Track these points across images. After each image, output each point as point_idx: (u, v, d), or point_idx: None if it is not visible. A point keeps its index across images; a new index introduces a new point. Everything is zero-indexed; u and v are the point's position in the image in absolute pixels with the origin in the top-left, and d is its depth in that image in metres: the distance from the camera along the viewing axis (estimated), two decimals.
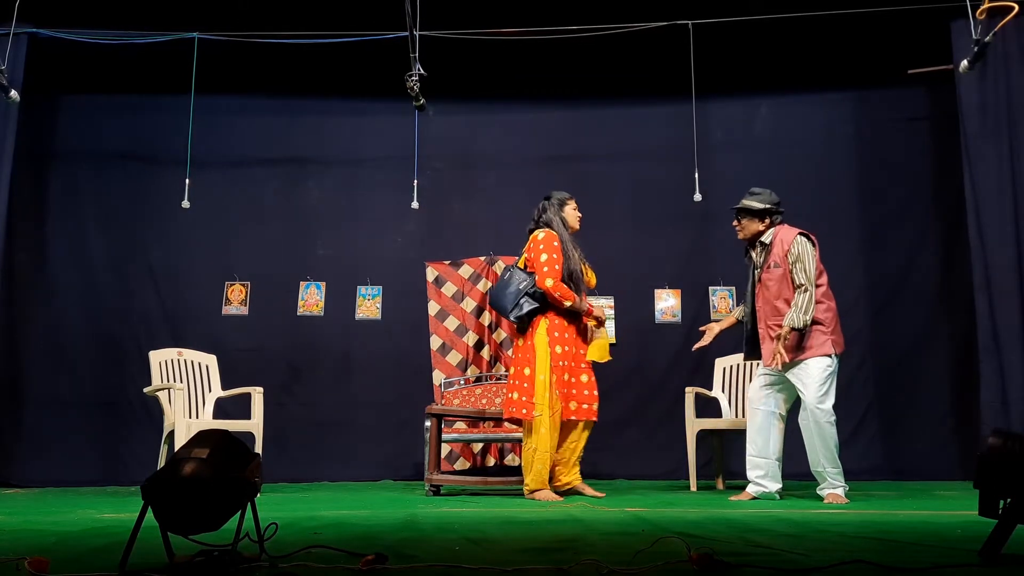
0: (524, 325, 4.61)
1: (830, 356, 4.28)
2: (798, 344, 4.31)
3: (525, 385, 4.53)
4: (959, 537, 2.70)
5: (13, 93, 5.08)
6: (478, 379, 5.87)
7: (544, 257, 4.57)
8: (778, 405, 4.47)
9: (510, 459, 6.17)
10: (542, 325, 4.56)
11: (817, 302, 4.30)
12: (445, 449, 5.89)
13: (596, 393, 4.68)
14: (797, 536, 2.78)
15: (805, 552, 2.32)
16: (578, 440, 4.68)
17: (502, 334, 6.33)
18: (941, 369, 6.27)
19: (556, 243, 4.61)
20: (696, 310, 6.49)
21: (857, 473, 5.46)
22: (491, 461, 6.16)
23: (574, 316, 4.64)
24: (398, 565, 2.07)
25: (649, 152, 6.68)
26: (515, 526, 3.14)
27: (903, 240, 6.44)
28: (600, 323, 4.71)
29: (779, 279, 4.35)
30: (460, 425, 5.85)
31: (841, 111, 6.71)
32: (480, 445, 6.12)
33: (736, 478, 5.83)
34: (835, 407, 4.33)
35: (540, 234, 4.66)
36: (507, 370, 6.14)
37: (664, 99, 6.50)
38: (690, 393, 5.42)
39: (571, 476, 4.70)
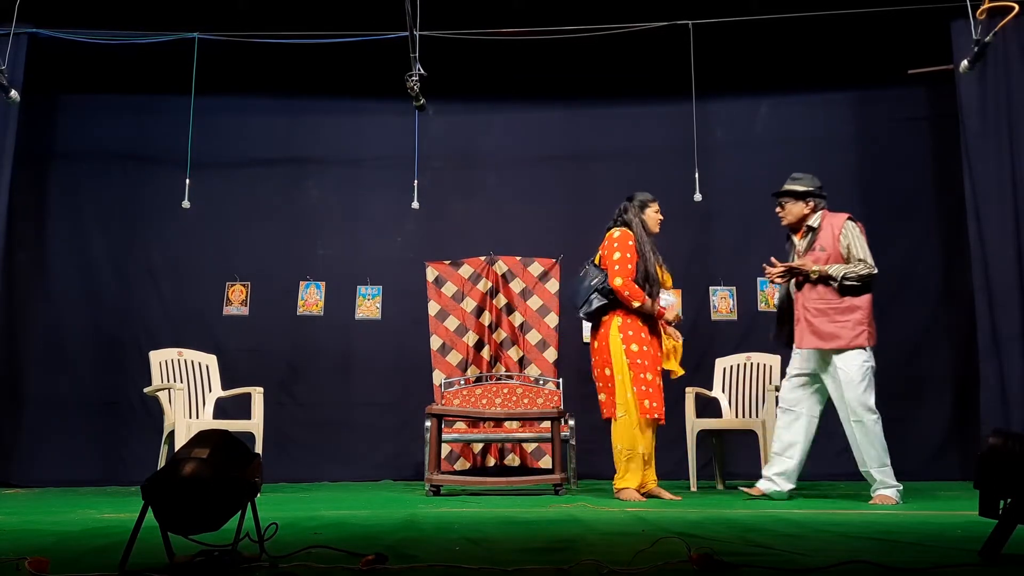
0: (595, 322, 4.62)
1: (864, 349, 4.21)
2: (831, 331, 4.23)
3: (609, 385, 4.53)
4: (959, 537, 2.70)
5: (13, 93, 5.08)
6: (478, 379, 5.87)
7: (617, 255, 4.54)
8: (812, 408, 4.40)
9: (510, 459, 6.18)
10: (614, 324, 4.53)
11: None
12: (445, 449, 5.89)
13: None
14: (798, 536, 2.77)
15: (805, 552, 2.32)
16: (653, 441, 4.60)
17: (502, 334, 6.33)
18: (941, 369, 6.27)
19: (631, 242, 4.57)
20: (696, 310, 6.49)
21: (858, 474, 5.47)
22: (491, 461, 6.17)
23: (648, 316, 4.59)
24: (398, 565, 2.07)
25: (649, 152, 6.68)
26: (515, 526, 3.14)
27: (903, 240, 6.44)
28: (672, 324, 4.63)
29: (825, 262, 4.29)
30: (460, 425, 5.85)
31: (841, 111, 6.71)
32: (480, 445, 6.12)
33: (736, 478, 5.83)
34: (834, 410, 4.34)
35: (616, 232, 4.63)
36: (507, 370, 6.16)
37: (664, 99, 6.50)
38: (690, 393, 5.42)
39: (649, 478, 4.59)
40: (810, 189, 4.44)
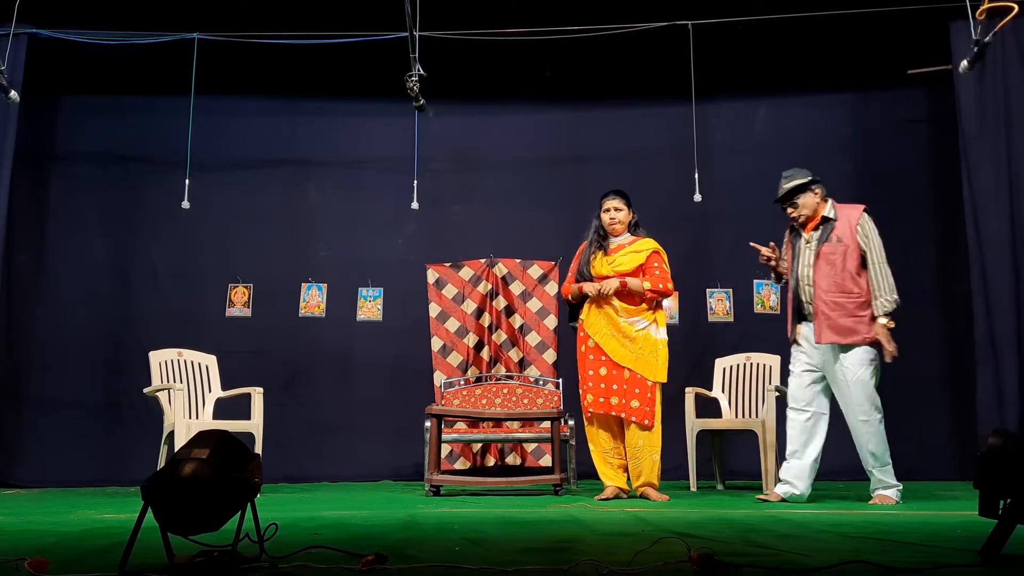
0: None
1: (874, 346, 4.21)
2: (849, 325, 4.19)
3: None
4: (959, 537, 2.71)
5: (13, 93, 5.08)
6: (478, 380, 5.87)
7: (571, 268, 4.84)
8: (823, 405, 4.35)
9: (510, 459, 6.18)
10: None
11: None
12: (445, 449, 5.89)
13: (616, 388, 4.48)
14: (798, 536, 2.78)
15: (806, 552, 2.33)
16: (629, 441, 4.51)
17: (502, 335, 6.33)
18: (939, 370, 6.27)
19: (577, 254, 4.82)
20: (694, 311, 6.49)
21: (858, 473, 5.48)
22: (491, 461, 6.17)
23: (596, 308, 4.60)
24: (398, 565, 2.07)
25: (649, 153, 6.68)
26: (515, 526, 3.15)
27: (901, 241, 6.40)
28: (600, 295, 4.50)
29: (844, 253, 4.25)
30: (460, 425, 5.85)
31: (840, 112, 6.71)
32: (480, 445, 6.12)
33: (736, 478, 5.83)
34: (836, 408, 4.33)
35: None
36: (507, 371, 6.16)
37: (664, 100, 6.50)
38: (690, 393, 5.42)
39: (635, 480, 4.54)
40: (810, 177, 4.40)
